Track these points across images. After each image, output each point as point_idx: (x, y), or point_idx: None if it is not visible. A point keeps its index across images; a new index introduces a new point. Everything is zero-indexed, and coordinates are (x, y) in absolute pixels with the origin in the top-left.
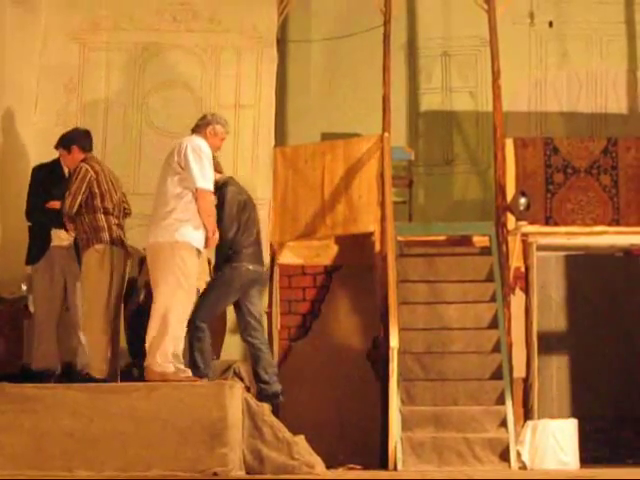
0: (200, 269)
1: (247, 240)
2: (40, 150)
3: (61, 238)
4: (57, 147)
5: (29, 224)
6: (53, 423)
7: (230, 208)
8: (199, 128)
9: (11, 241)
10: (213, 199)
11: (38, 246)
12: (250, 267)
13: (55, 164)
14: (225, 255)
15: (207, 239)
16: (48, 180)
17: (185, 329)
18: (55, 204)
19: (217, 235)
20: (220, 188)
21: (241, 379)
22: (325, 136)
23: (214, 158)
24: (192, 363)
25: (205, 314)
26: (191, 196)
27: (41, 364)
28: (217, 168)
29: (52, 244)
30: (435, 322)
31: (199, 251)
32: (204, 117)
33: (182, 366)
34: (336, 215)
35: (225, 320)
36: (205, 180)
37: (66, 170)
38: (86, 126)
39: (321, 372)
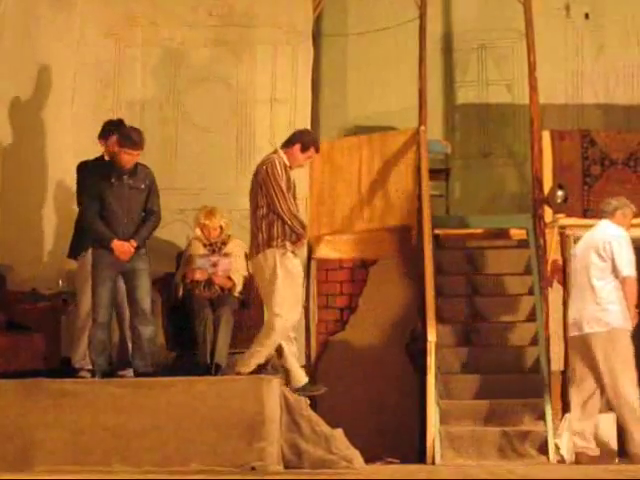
0: (239, 265)
1: None
2: (77, 145)
3: None
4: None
5: (76, 218)
6: (92, 418)
7: None
8: (607, 215)
9: (48, 237)
10: (636, 285)
11: (83, 240)
12: None
13: (100, 160)
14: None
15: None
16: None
17: None
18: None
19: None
20: None
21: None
22: (359, 129)
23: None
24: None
25: None
26: (615, 284)
27: (81, 360)
28: None
29: None
30: (473, 315)
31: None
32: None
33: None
34: (373, 209)
35: (263, 315)
36: (630, 268)
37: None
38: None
39: (359, 366)
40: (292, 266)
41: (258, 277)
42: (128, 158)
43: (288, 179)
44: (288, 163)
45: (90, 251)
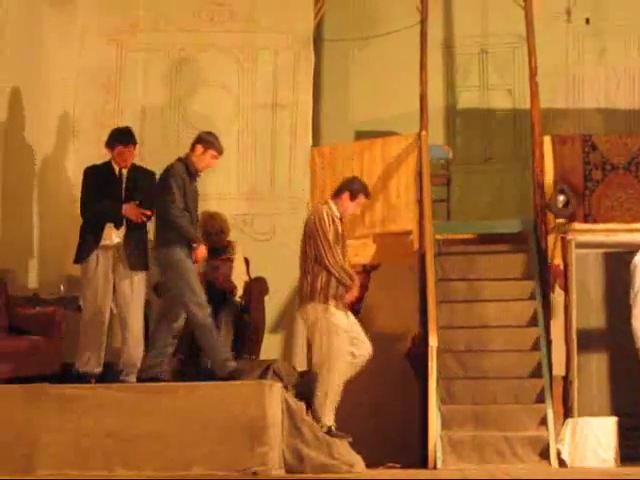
0: (239, 270)
1: None
2: (78, 150)
3: (110, 238)
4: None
5: (81, 223)
6: (94, 423)
7: None
8: None
9: (50, 242)
10: None
11: (87, 245)
12: None
13: (108, 165)
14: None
15: None
16: (102, 180)
17: None
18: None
19: None
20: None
21: (280, 379)
22: (359, 134)
23: None
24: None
25: None
26: None
27: (85, 366)
28: None
29: (100, 244)
30: (474, 320)
31: None
32: None
33: None
34: (374, 214)
35: (264, 319)
36: None
37: (117, 169)
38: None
39: (360, 371)
40: (335, 319)
41: (305, 326)
42: (213, 162)
43: (336, 230)
44: (338, 213)
45: (94, 255)
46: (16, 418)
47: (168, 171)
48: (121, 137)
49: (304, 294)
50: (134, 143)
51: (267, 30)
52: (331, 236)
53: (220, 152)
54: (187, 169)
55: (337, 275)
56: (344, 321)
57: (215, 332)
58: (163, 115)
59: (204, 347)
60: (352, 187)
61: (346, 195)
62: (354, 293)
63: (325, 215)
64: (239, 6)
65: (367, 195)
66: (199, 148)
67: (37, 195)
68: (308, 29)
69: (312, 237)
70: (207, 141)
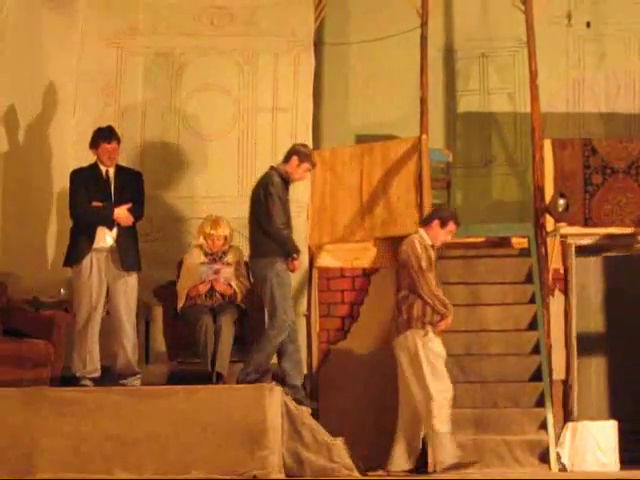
0: (240, 274)
1: None
2: (79, 154)
3: (104, 240)
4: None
5: (71, 226)
6: (93, 426)
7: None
8: None
9: (50, 245)
10: None
11: (79, 248)
12: None
13: (94, 167)
14: None
15: None
16: (90, 182)
17: None
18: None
19: None
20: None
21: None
22: (360, 138)
23: None
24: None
25: None
26: None
27: (83, 370)
28: None
29: (93, 246)
30: (474, 324)
31: None
32: None
33: None
34: (374, 218)
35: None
36: None
37: (104, 170)
38: (124, 130)
39: (360, 374)
40: (433, 344)
41: (402, 357)
42: (305, 175)
43: (429, 257)
44: (430, 241)
45: (88, 258)
46: (15, 421)
47: (268, 182)
48: (103, 134)
49: (401, 323)
50: (117, 140)
51: (267, 33)
52: (424, 264)
53: (314, 166)
54: (282, 179)
55: (431, 303)
56: (441, 348)
57: (270, 355)
58: (163, 119)
59: (252, 354)
60: (442, 215)
61: (436, 223)
62: (448, 322)
63: (417, 244)
64: (239, 9)
65: (457, 222)
66: (295, 160)
67: (37, 198)
68: (308, 32)
69: (405, 266)
70: (303, 154)
